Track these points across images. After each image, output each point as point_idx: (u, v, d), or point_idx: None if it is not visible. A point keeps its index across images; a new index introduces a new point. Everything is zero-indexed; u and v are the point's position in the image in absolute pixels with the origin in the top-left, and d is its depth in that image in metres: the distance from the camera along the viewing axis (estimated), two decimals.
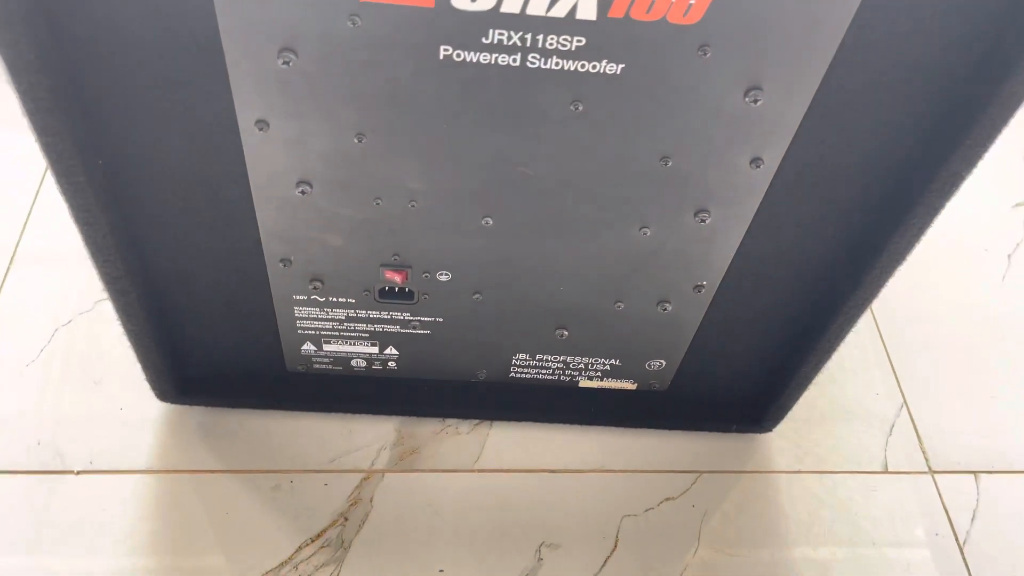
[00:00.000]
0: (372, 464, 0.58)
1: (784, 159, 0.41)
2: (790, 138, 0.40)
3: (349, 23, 0.35)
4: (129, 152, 0.41)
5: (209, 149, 0.41)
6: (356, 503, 0.56)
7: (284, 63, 0.36)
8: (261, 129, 0.39)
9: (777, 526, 0.58)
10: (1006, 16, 0.34)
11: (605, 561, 0.56)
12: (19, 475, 0.55)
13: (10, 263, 0.65)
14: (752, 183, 0.42)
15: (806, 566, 0.57)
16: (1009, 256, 0.77)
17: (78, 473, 0.56)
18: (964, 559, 0.58)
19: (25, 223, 0.68)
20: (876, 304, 0.71)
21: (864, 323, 0.70)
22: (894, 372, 0.68)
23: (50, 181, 0.71)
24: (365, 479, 0.57)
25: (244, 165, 0.41)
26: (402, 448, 0.59)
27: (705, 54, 0.36)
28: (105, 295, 0.46)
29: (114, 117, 0.39)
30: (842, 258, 0.47)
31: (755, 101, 0.38)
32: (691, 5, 0.34)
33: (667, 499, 0.59)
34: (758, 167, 0.41)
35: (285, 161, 0.41)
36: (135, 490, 0.55)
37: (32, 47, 0.34)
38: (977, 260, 0.76)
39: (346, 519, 0.56)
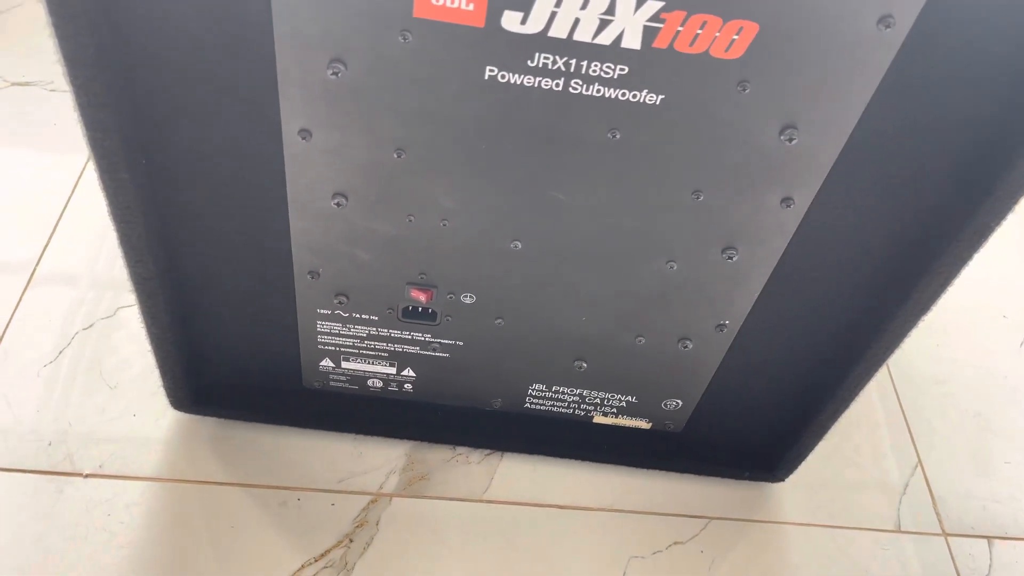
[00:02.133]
0: (380, 487, 0.58)
1: (815, 200, 0.41)
2: (822, 179, 0.40)
3: (400, 38, 0.36)
4: (172, 152, 0.42)
5: (251, 154, 0.42)
6: (362, 525, 0.56)
7: (333, 74, 0.37)
8: (304, 138, 0.40)
9: (787, 566, 0.57)
10: None
11: None
12: (29, 474, 0.55)
13: (35, 267, 0.66)
14: (781, 223, 0.43)
15: None
16: None
17: (86, 476, 0.56)
18: None
19: (53, 231, 0.69)
20: (893, 364, 0.71)
21: (881, 382, 0.70)
22: (909, 431, 0.67)
23: (80, 193, 0.72)
24: (372, 502, 0.57)
25: (283, 173, 0.42)
26: (411, 473, 0.59)
27: (744, 90, 0.37)
28: (128, 304, 0.47)
29: (163, 117, 0.40)
30: (867, 305, 0.47)
31: (790, 140, 0.38)
32: (734, 40, 0.35)
33: (676, 543, 0.58)
34: (788, 207, 0.42)
35: (324, 172, 0.42)
36: (142, 497, 0.55)
37: (91, 42, 0.35)
38: (996, 327, 0.76)
39: (351, 540, 0.55)
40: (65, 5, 0.33)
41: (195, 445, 0.58)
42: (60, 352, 0.62)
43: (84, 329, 0.63)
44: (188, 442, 0.58)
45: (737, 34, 0.35)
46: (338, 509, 0.56)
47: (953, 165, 0.39)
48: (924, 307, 0.44)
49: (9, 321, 0.63)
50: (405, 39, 0.36)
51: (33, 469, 0.56)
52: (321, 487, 0.57)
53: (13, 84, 0.79)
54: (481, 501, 0.58)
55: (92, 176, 0.41)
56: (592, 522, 0.58)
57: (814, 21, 0.34)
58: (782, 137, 0.38)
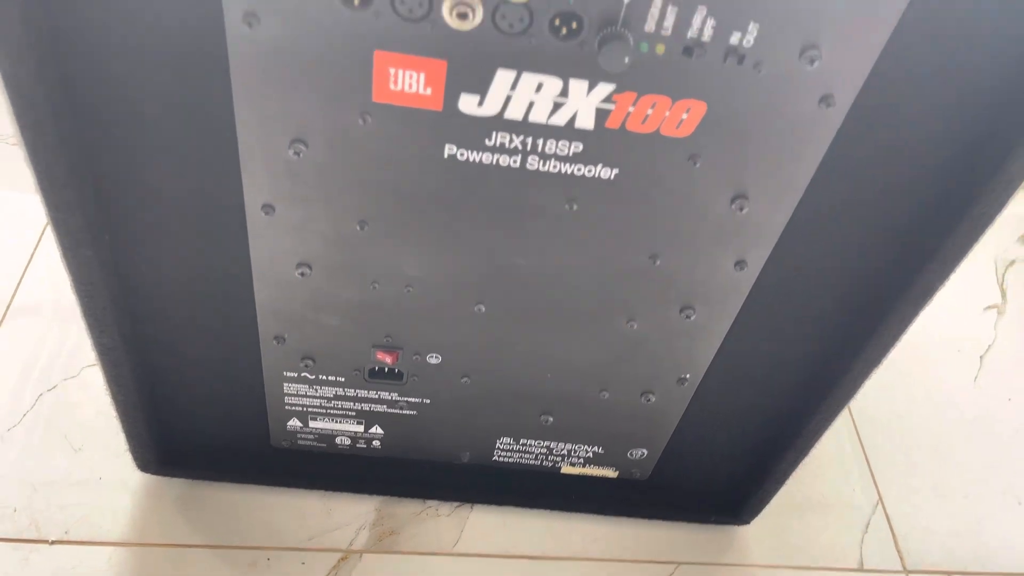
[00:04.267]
0: (351, 544, 0.58)
1: (767, 263, 0.43)
2: (773, 244, 0.42)
3: (360, 121, 0.37)
4: (135, 229, 0.42)
5: (214, 229, 0.42)
6: None
7: (295, 153, 0.38)
8: (267, 213, 0.41)
9: None
10: (977, 147, 0.37)
11: None
12: None
13: (1, 320, 0.66)
14: (736, 284, 0.44)
15: None
16: (981, 357, 0.79)
17: (52, 543, 0.55)
18: None
19: (15, 290, 0.69)
20: (854, 403, 0.73)
21: (842, 420, 0.72)
22: (870, 469, 0.69)
23: (47, 241, 0.71)
24: (343, 559, 0.57)
25: (247, 246, 0.43)
26: (381, 528, 0.59)
27: (695, 164, 0.38)
28: (92, 362, 0.47)
29: (125, 195, 0.40)
30: (821, 359, 0.48)
31: (740, 209, 0.40)
32: (683, 119, 0.36)
33: None
34: (742, 269, 0.43)
35: (288, 244, 0.43)
36: (110, 562, 0.55)
37: (53, 129, 0.35)
38: (951, 361, 0.78)
39: None
40: (27, 95, 0.34)
41: (163, 507, 0.58)
42: (24, 415, 0.61)
43: (48, 390, 0.63)
44: (156, 504, 0.58)
45: (686, 113, 0.36)
46: (308, 567, 0.56)
47: (895, 230, 0.41)
48: (875, 361, 0.46)
49: None
50: (365, 121, 0.37)
51: (7, 537, 0.55)
52: (291, 545, 0.57)
53: None
54: (452, 554, 0.58)
55: (51, 239, 0.41)
56: (563, 571, 0.58)
57: (759, 101, 0.35)
58: (733, 206, 0.40)
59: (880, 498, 0.67)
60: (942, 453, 0.71)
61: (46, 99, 0.34)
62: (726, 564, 0.61)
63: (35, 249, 0.72)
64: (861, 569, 0.62)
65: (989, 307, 0.83)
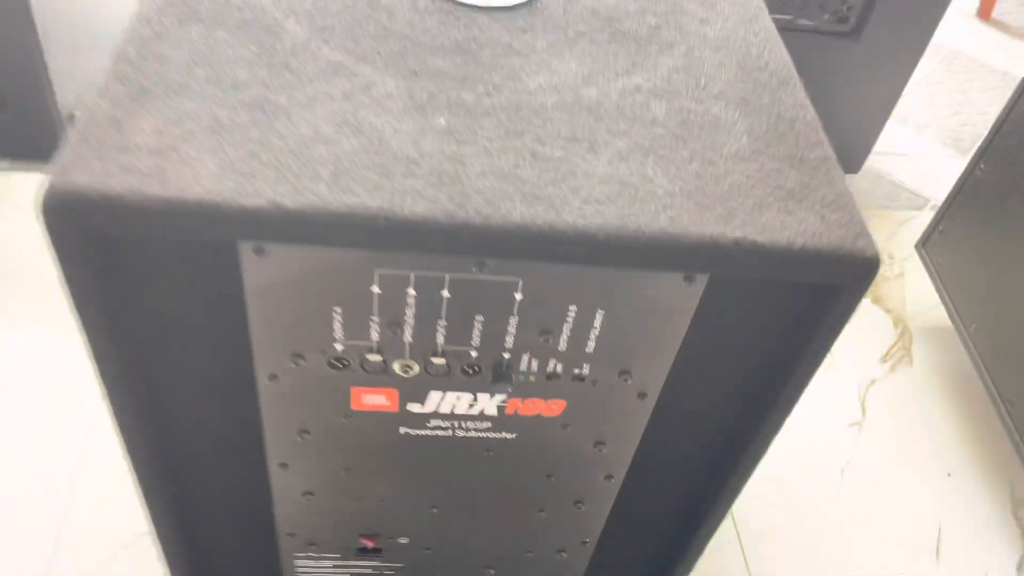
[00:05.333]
0: None
1: (626, 475, 0.63)
2: (629, 463, 0.62)
3: (344, 419, 0.56)
4: (184, 480, 0.61)
5: (240, 481, 0.61)
6: None
7: (300, 436, 0.57)
8: (283, 468, 0.60)
9: None
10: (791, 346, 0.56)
11: None
12: None
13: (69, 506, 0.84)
14: (608, 491, 0.64)
15: None
16: (842, 471, 0.99)
17: None
18: None
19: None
20: (738, 513, 0.93)
21: (726, 533, 0.91)
22: (748, 569, 0.88)
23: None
24: None
25: (270, 484, 0.62)
26: None
27: (565, 427, 0.58)
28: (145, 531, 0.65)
29: (172, 454, 0.60)
30: (701, 485, 0.66)
31: (601, 449, 0.60)
32: (553, 407, 0.56)
33: None
34: (610, 480, 0.63)
35: (299, 481, 0.62)
36: None
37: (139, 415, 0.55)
38: (818, 473, 0.98)
39: None
40: (100, 338, 0.49)
41: None
42: None
43: (109, 558, 0.81)
44: None
45: (554, 404, 0.56)
46: None
47: (751, 380, 0.56)
48: (746, 474, 0.62)
49: (56, 548, 0.80)
50: (348, 419, 0.56)
51: None
52: None
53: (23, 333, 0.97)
54: None
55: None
56: None
57: (598, 400, 0.56)
58: (595, 448, 0.60)
59: None
60: (811, 555, 0.91)
61: (120, 359, 0.51)
62: None
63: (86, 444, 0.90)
64: None
65: (852, 424, 1.04)
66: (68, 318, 0.99)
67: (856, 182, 1.43)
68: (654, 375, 0.55)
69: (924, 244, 1.11)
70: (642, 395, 0.56)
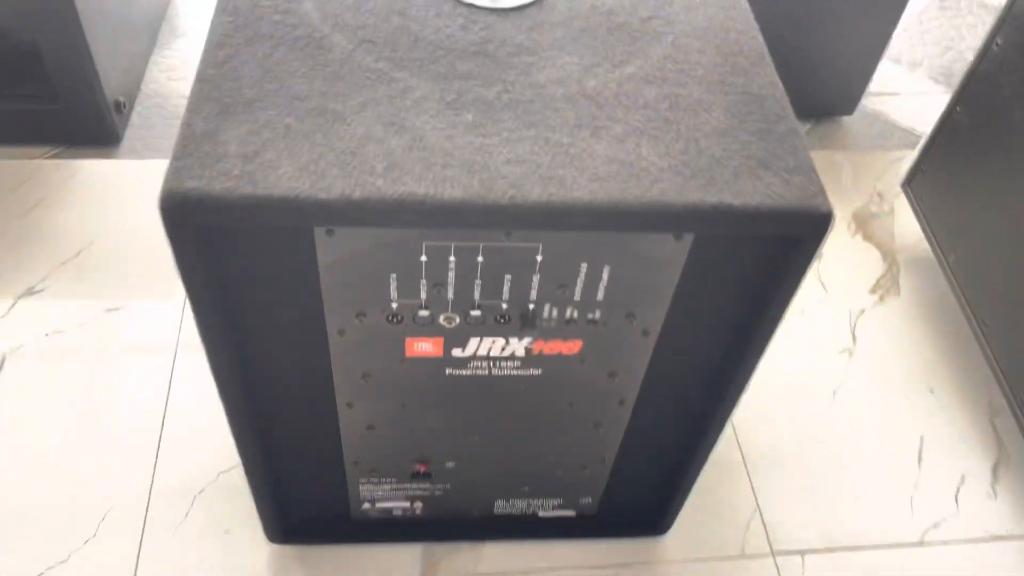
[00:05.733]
0: (409, 575, 0.90)
1: (640, 391, 0.74)
2: (639, 386, 0.73)
3: (399, 364, 0.68)
4: (265, 410, 0.74)
5: (317, 419, 0.74)
6: None
7: (363, 379, 0.69)
8: (349, 406, 0.72)
9: None
10: (769, 276, 0.68)
11: None
12: None
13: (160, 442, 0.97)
14: (619, 417, 0.76)
15: None
16: (834, 392, 1.10)
17: None
18: None
19: (164, 416, 1.00)
20: (739, 431, 1.04)
21: (730, 448, 1.03)
22: (751, 482, 1.00)
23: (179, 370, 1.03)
24: None
25: (337, 420, 0.74)
26: (428, 563, 0.91)
27: (583, 363, 0.69)
28: (229, 468, 0.78)
29: (259, 379, 0.72)
30: (699, 407, 0.78)
31: (613, 379, 0.71)
32: (572, 345, 0.68)
33: None
34: (621, 404, 0.75)
35: (363, 416, 0.74)
36: None
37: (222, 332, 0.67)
38: (812, 396, 1.10)
39: None
40: (204, 306, 0.62)
41: (288, 564, 0.90)
42: (187, 513, 0.93)
43: (199, 493, 0.95)
44: (283, 562, 0.90)
45: (573, 344, 0.67)
46: None
47: (734, 317, 0.68)
48: (736, 394, 0.73)
49: (151, 488, 0.94)
50: (402, 364, 0.68)
51: None
52: None
53: (106, 311, 1.10)
54: (475, 575, 0.90)
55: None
56: None
57: (609, 337, 0.67)
58: (608, 377, 0.71)
59: (757, 503, 0.99)
60: (805, 468, 1.03)
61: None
62: (652, 562, 0.93)
63: (170, 386, 1.03)
64: (743, 556, 0.94)
65: (843, 350, 1.15)
66: (136, 288, 1.11)
67: (851, 123, 1.51)
68: (654, 316, 0.66)
69: (909, 183, 1.20)
70: (645, 332, 0.67)
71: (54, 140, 1.33)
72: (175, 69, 1.50)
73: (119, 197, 1.25)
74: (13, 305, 1.10)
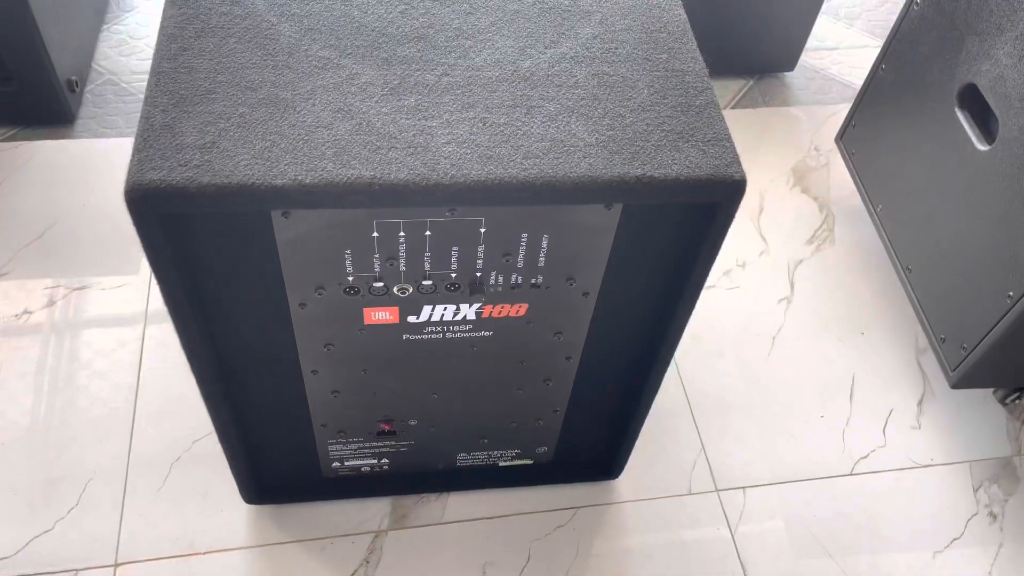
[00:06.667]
0: (379, 526, 0.96)
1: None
2: (582, 346, 0.79)
3: (359, 332, 0.73)
4: (233, 368, 0.78)
5: (285, 388, 0.79)
6: (372, 551, 0.94)
7: (326, 348, 0.74)
8: (314, 373, 0.77)
9: (625, 529, 0.98)
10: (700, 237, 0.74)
11: (522, 570, 0.95)
12: (166, 560, 0.92)
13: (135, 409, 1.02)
14: (567, 372, 0.82)
15: (644, 550, 0.96)
16: (773, 338, 1.18)
17: (204, 553, 0.93)
18: (735, 543, 0.99)
19: (136, 390, 1.04)
20: (684, 376, 1.12)
21: (677, 394, 1.10)
22: (696, 425, 1.08)
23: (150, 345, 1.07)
24: (376, 536, 0.95)
25: (303, 385, 0.79)
26: (396, 514, 0.97)
27: (529, 323, 0.75)
28: (203, 436, 0.83)
29: (228, 350, 0.77)
30: (640, 359, 0.85)
31: (559, 338, 0.77)
32: (518, 309, 0.73)
33: (558, 527, 0.98)
34: (568, 360, 0.81)
35: (328, 382, 0.79)
36: (240, 562, 0.92)
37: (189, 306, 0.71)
38: (753, 342, 1.17)
39: (367, 562, 0.94)
40: (171, 287, 0.67)
41: (264, 522, 0.95)
42: (165, 478, 0.98)
43: (176, 460, 0.99)
44: (258, 521, 0.95)
45: (519, 307, 0.73)
46: (356, 545, 0.95)
47: (666, 275, 0.74)
48: (671, 347, 0.80)
49: (128, 458, 0.99)
50: (362, 332, 0.73)
51: (169, 555, 0.93)
52: (343, 533, 0.95)
53: (74, 289, 1.13)
54: (441, 523, 0.97)
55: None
56: (508, 522, 0.98)
57: (551, 302, 0.72)
58: (554, 337, 0.77)
59: (702, 445, 1.06)
60: (744, 411, 1.10)
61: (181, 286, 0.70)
62: (605, 504, 1.00)
63: (140, 359, 1.07)
64: (690, 493, 1.02)
65: (781, 299, 1.22)
66: (101, 266, 1.14)
67: (792, 79, 1.57)
68: (592, 278, 0.71)
69: (841, 137, 1.26)
70: (585, 294, 0.73)
71: (8, 122, 1.34)
72: (125, 44, 1.50)
73: (78, 177, 1.27)
74: None
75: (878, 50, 1.20)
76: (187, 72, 0.63)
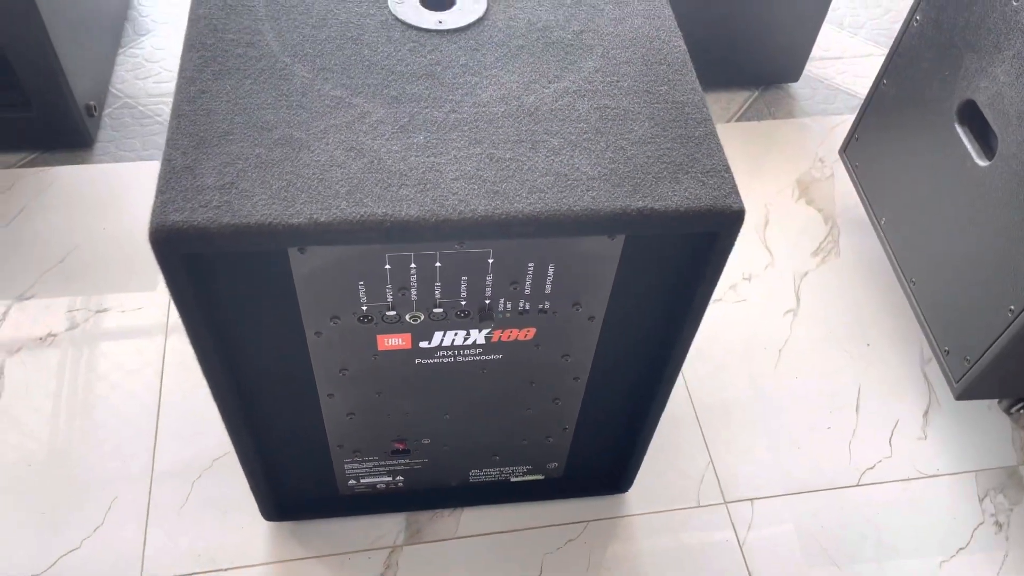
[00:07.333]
0: (395, 541, 0.99)
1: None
2: (588, 371, 0.81)
3: (372, 358, 0.76)
4: (254, 399, 0.81)
5: (302, 405, 0.81)
6: (388, 566, 0.97)
7: (342, 373, 0.77)
8: (330, 397, 0.80)
9: (635, 541, 1.00)
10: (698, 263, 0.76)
11: None
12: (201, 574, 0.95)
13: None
14: (575, 390, 0.84)
15: (654, 562, 0.99)
16: (779, 350, 1.19)
17: (226, 569, 0.96)
18: (744, 554, 1.01)
19: (160, 399, 1.08)
20: (692, 390, 1.14)
21: (685, 408, 1.12)
22: (704, 438, 1.10)
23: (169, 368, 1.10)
24: (391, 552, 0.98)
25: (320, 407, 0.82)
26: (411, 530, 1.00)
27: (538, 347, 0.77)
28: (222, 454, 0.86)
29: (246, 375, 0.79)
30: (646, 378, 0.87)
31: (567, 360, 0.79)
32: (526, 333, 0.75)
33: (570, 540, 1.00)
34: (576, 380, 0.83)
35: (344, 403, 0.82)
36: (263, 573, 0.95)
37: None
38: (759, 355, 1.19)
39: None
40: (194, 322, 0.70)
41: (283, 539, 0.98)
42: (187, 496, 1.01)
43: (197, 479, 1.02)
44: (278, 538, 0.98)
45: (527, 331, 0.75)
46: (373, 560, 0.97)
47: (668, 299, 0.77)
48: (676, 367, 0.83)
49: (151, 476, 1.02)
50: (376, 357, 0.76)
51: (193, 571, 0.95)
52: (360, 548, 0.98)
53: (95, 312, 1.16)
54: (455, 538, 0.99)
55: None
56: (521, 537, 1.00)
57: (558, 325, 0.75)
58: (562, 359, 0.79)
59: (711, 458, 1.08)
60: (751, 425, 1.12)
61: (203, 321, 0.73)
62: (616, 517, 1.02)
63: (161, 384, 1.10)
64: (698, 506, 1.04)
65: (787, 311, 1.24)
66: (122, 288, 1.17)
67: (797, 90, 1.59)
68: (598, 303, 0.74)
69: (845, 150, 1.28)
70: (591, 318, 0.75)
71: (29, 147, 1.38)
72: (141, 67, 1.54)
73: (98, 200, 1.30)
74: (7, 312, 1.16)
75: (883, 59, 1.21)
76: (206, 115, 0.65)
